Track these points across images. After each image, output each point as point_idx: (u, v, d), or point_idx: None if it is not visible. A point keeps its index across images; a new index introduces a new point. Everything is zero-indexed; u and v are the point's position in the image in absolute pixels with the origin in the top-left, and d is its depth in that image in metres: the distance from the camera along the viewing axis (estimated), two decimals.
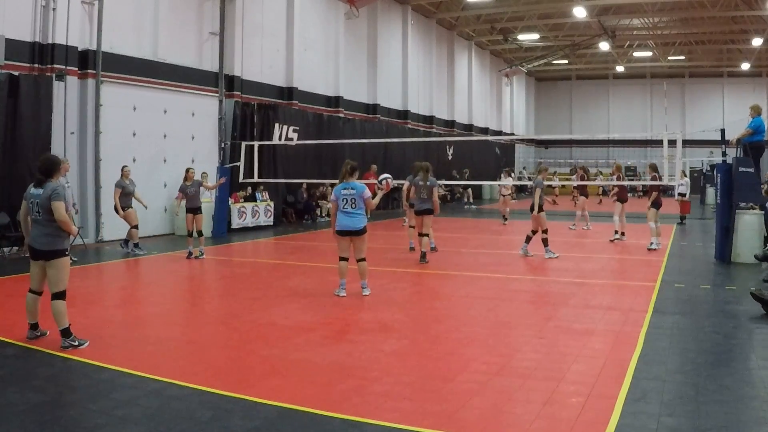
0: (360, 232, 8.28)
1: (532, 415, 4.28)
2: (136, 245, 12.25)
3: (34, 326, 6.10)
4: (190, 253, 11.81)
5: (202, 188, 12.45)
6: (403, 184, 14.62)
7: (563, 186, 30.61)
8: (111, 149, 13.83)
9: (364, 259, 8.39)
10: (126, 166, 12.70)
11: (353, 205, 8.23)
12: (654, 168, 13.51)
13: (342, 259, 8.36)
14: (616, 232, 14.64)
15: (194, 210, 11.89)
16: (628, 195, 16.06)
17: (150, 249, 12.85)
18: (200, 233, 11.97)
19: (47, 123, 12.33)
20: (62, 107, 12.77)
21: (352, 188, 8.27)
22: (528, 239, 12.22)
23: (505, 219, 19.14)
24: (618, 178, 16.24)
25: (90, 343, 5.86)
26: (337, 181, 8.54)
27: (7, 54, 11.88)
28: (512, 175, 23.43)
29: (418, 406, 4.46)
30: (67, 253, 5.92)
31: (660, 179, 13.06)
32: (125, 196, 12.19)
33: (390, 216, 20.01)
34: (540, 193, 11.90)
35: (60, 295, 5.80)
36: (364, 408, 4.41)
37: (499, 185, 20.35)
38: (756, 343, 6.22)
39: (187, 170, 12.16)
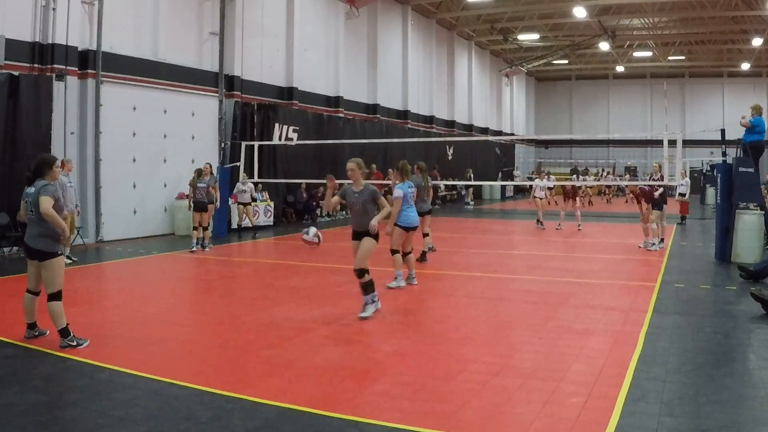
0: (417, 226, 9.21)
1: (532, 415, 4.28)
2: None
3: (31, 326, 6.10)
4: (195, 245, 12.63)
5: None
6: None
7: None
8: (111, 149, 13.83)
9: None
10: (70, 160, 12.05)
11: (412, 202, 9.17)
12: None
13: (399, 252, 8.97)
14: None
15: (204, 206, 12.77)
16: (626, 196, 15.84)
17: (150, 249, 12.86)
18: (205, 228, 12.92)
19: (47, 123, 12.32)
20: (62, 107, 12.77)
21: (411, 187, 9.17)
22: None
23: (540, 222, 17.75)
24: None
25: (90, 343, 5.86)
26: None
27: (7, 54, 11.88)
28: (548, 177, 21.04)
29: (418, 406, 4.46)
30: (60, 253, 5.89)
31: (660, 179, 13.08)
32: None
33: None
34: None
35: (55, 296, 5.79)
36: (364, 408, 4.41)
37: (534, 186, 18.47)
38: (756, 343, 6.22)
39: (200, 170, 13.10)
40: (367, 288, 7.08)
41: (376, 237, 7.17)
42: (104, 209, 13.71)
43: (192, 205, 12.74)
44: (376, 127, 23.89)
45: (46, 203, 5.64)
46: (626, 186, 14.41)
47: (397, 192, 8.75)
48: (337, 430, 4.08)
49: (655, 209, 12.85)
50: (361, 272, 7.06)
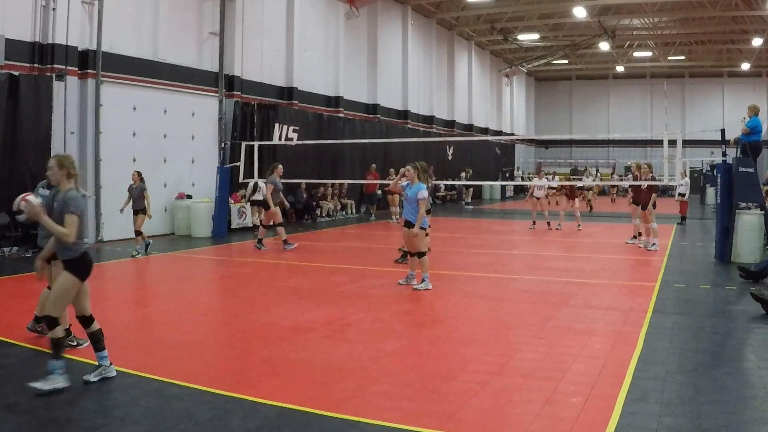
0: None
1: (532, 415, 4.29)
2: (285, 242, 13.04)
3: (38, 319, 6.07)
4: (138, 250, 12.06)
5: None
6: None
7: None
8: (111, 149, 13.82)
9: None
10: (279, 164, 13.71)
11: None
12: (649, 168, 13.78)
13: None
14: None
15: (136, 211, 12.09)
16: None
17: (149, 249, 12.83)
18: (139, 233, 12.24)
19: (47, 123, 12.32)
20: (62, 107, 12.76)
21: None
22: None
23: (534, 223, 17.61)
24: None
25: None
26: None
27: (7, 54, 11.88)
28: (547, 177, 21.10)
29: (418, 406, 4.46)
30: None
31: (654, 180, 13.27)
32: (276, 193, 13.15)
33: (385, 217, 19.93)
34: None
35: None
36: (364, 408, 4.42)
37: (531, 185, 18.27)
38: (756, 343, 6.23)
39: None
40: (58, 347, 4.68)
41: (81, 272, 4.92)
42: (104, 209, 13.69)
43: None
44: (376, 127, 23.88)
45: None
46: (629, 186, 14.52)
47: (423, 193, 8.76)
48: (337, 430, 4.09)
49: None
50: (50, 322, 4.68)
